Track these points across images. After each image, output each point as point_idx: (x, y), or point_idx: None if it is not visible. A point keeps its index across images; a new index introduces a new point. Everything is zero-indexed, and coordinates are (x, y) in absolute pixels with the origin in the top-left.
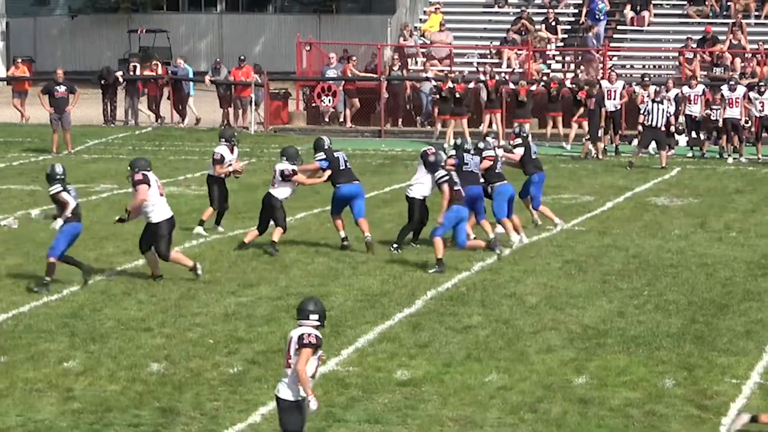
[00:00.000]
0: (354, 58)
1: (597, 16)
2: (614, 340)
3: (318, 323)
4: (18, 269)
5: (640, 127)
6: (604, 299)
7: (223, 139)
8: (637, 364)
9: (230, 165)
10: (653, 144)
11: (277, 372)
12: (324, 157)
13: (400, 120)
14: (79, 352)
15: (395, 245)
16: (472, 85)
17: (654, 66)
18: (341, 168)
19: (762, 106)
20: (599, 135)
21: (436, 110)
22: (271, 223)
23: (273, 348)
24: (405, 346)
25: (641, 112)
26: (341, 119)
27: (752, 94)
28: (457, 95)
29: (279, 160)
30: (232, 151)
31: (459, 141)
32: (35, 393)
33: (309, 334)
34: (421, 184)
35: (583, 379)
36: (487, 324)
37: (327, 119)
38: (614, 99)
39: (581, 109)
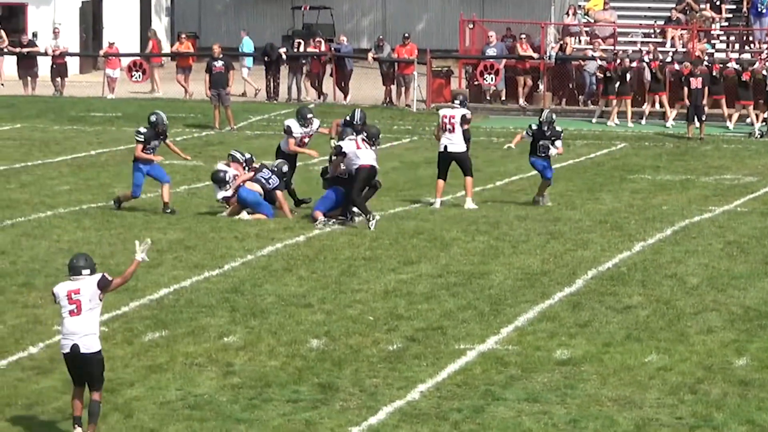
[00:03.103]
0: (524, 35)
1: (759, 9)
2: None
3: None
4: (179, 244)
5: None
6: (766, 281)
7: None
8: None
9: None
10: None
11: (437, 349)
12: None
13: (564, 99)
14: (240, 327)
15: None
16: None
17: None
18: None
19: None
20: (696, 116)
21: (601, 89)
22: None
23: (432, 325)
24: (565, 325)
25: None
26: (503, 97)
27: None
28: (620, 74)
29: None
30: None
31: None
32: (195, 367)
33: None
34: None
35: (744, 360)
36: (648, 304)
37: (489, 97)
38: None
39: (685, 90)
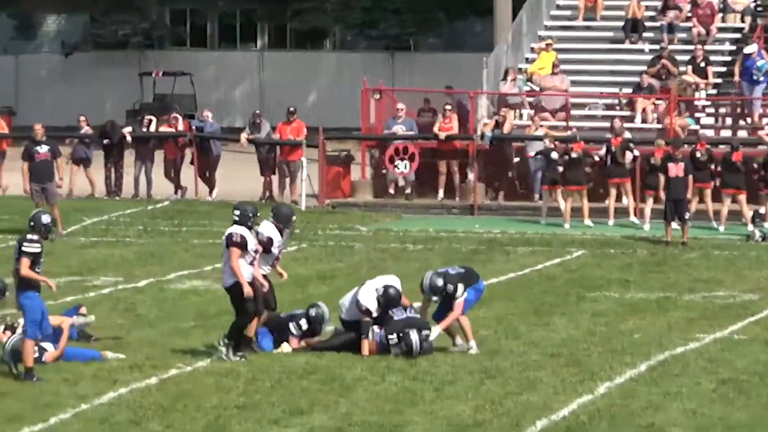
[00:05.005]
0: (449, 105)
1: (755, 77)
2: None
3: None
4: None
5: None
6: None
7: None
8: None
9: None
10: None
11: None
12: None
13: (501, 192)
14: None
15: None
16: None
17: None
18: None
19: None
20: (676, 214)
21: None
22: None
23: None
24: None
25: None
26: (409, 191)
27: None
28: (574, 156)
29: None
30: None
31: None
32: None
33: None
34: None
35: None
36: None
37: (399, 190)
38: None
39: (661, 179)
